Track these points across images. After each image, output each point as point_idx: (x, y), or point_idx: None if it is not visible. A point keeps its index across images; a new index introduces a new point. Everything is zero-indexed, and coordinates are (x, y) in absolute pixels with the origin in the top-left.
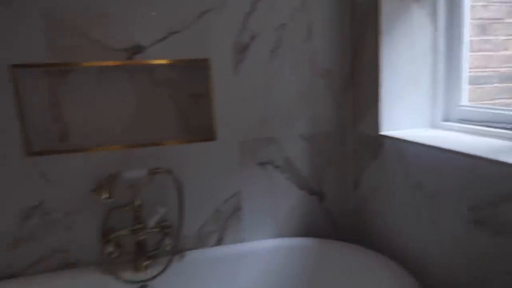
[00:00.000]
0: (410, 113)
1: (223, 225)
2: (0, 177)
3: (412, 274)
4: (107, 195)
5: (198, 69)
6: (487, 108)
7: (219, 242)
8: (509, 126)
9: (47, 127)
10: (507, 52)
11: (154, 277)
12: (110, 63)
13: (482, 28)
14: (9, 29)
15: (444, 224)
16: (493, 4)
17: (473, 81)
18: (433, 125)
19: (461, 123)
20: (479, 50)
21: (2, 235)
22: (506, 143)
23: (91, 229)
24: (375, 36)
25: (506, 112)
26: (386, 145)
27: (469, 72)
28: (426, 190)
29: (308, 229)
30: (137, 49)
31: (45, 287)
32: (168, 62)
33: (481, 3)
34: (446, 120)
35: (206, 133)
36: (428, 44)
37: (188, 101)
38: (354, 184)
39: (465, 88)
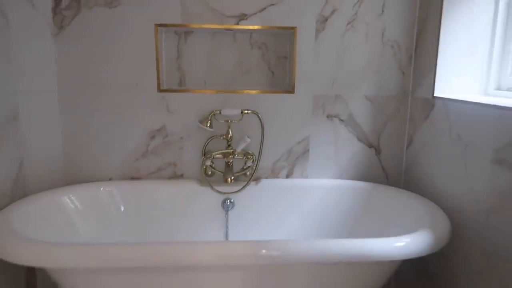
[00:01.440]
0: (464, 79)
1: (293, 163)
2: (140, 104)
3: (446, 211)
4: (209, 126)
5: (285, 36)
6: None
7: (288, 176)
8: None
9: (172, 73)
10: None
11: (236, 192)
12: (222, 26)
13: None
14: None
15: (473, 167)
16: None
17: None
18: (485, 93)
19: (511, 91)
20: None
21: (136, 149)
22: None
23: (195, 150)
24: (437, 11)
25: None
26: (437, 106)
27: None
28: (463, 140)
29: (363, 176)
30: (242, 17)
31: (159, 189)
32: (264, 28)
33: None
34: (498, 89)
35: (287, 87)
36: (487, 18)
37: (275, 61)
38: (408, 142)
39: None
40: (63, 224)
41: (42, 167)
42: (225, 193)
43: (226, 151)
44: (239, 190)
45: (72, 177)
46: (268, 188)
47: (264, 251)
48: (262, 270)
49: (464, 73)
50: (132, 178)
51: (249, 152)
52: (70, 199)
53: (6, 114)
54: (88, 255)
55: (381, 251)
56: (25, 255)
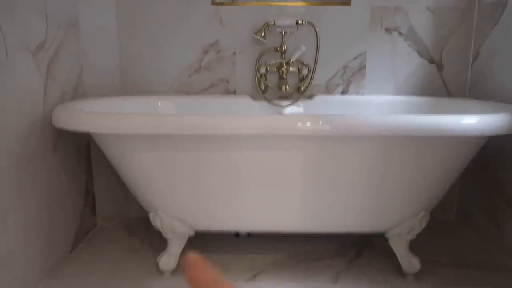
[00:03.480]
0: None
1: (348, 80)
2: (194, 18)
3: None
4: (263, 37)
5: None
6: None
7: (343, 94)
8: None
9: None
10: None
11: (289, 105)
12: None
13: None
14: None
15: None
16: None
17: None
18: None
19: None
20: None
21: (190, 64)
22: None
23: (248, 67)
24: None
25: None
26: (509, 6)
27: None
28: None
29: (423, 95)
30: None
31: (214, 103)
32: None
33: None
34: None
35: None
36: None
37: None
38: (474, 56)
39: None
40: None
41: (100, 78)
42: (278, 105)
43: (281, 61)
44: (292, 103)
45: (127, 89)
46: (322, 104)
47: (320, 123)
48: (318, 146)
49: None
50: (185, 93)
51: (304, 62)
52: (129, 106)
53: (67, 19)
54: (135, 122)
55: (451, 126)
56: (84, 121)
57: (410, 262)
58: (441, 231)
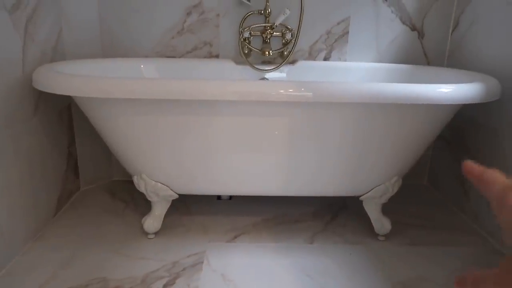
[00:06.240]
0: None
1: (331, 45)
2: None
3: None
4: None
5: None
6: None
7: (325, 59)
8: None
9: None
10: None
11: (273, 69)
12: None
13: None
14: None
15: None
16: None
17: None
18: None
19: None
20: None
21: (172, 26)
22: None
23: (232, 30)
24: None
25: None
26: None
27: None
28: None
29: (403, 62)
30: None
31: (197, 67)
32: None
33: None
34: None
35: None
36: None
37: None
38: (454, 24)
39: None
40: None
41: (80, 37)
42: (262, 70)
43: (265, 24)
44: (276, 68)
45: (109, 51)
46: (305, 70)
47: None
48: (301, 113)
49: None
50: (168, 57)
51: (288, 27)
52: (112, 69)
53: None
54: (120, 86)
55: (423, 95)
56: (68, 85)
57: (382, 224)
58: (413, 195)
